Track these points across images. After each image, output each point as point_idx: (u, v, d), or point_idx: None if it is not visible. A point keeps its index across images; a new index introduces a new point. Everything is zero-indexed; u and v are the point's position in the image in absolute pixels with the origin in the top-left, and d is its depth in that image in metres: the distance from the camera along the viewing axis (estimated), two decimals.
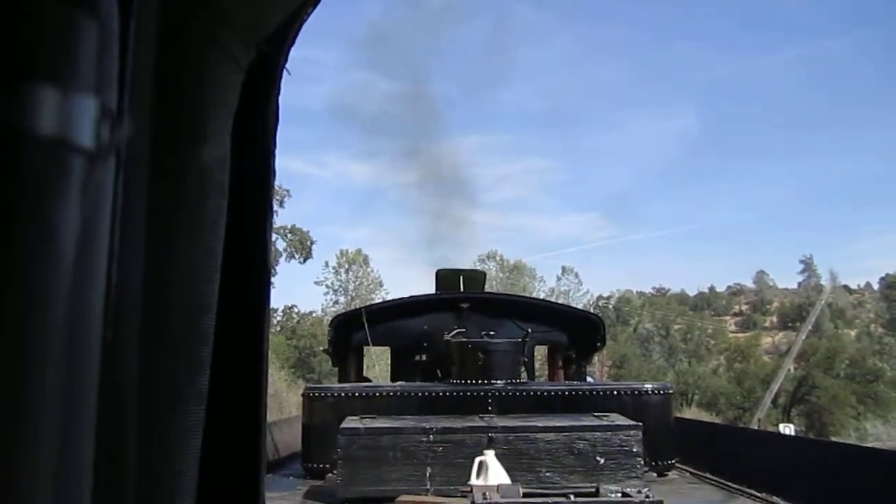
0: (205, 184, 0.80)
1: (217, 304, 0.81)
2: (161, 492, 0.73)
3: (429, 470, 5.76)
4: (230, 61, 0.82)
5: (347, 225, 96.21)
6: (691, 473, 7.23)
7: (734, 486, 6.41)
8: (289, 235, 38.79)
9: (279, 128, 1.06)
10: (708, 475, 7.01)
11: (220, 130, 0.83)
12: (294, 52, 1.04)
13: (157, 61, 0.68)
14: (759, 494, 6.02)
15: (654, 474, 6.80)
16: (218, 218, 0.83)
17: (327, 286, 52.17)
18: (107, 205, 0.55)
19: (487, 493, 3.26)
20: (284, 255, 38.99)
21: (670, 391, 7.61)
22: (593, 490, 3.44)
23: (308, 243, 39.31)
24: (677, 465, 7.30)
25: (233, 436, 0.94)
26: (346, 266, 52.57)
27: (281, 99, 1.05)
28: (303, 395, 7.49)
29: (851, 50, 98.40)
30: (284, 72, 1.03)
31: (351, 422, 6.14)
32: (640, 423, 6.00)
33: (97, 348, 0.55)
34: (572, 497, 3.17)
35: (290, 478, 7.11)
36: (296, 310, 52.58)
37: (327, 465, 6.54)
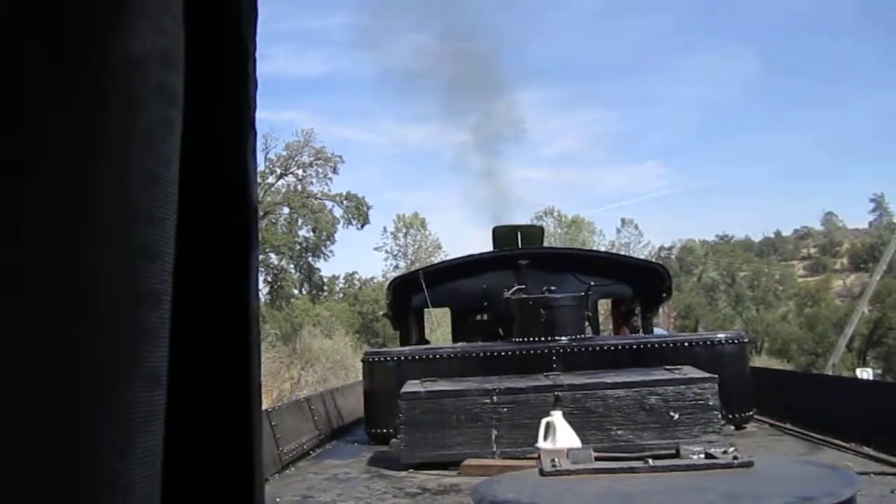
0: (135, 84, 0.54)
1: (176, 255, 0.57)
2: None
3: (494, 432, 5.58)
4: None
5: (408, 188, 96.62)
6: (770, 425, 6.91)
7: (817, 436, 6.06)
8: (344, 202, 38.90)
9: (258, 22, 0.79)
10: (788, 426, 6.67)
11: (157, 11, 0.57)
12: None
13: None
14: (846, 444, 5.66)
15: (732, 428, 6.51)
16: (162, 133, 0.57)
17: (386, 251, 52.36)
18: None
19: (557, 459, 3.03)
20: (342, 221, 39.20)
21: (745, 340, 7.27)
22: (673, 451, 3.18)
23: (364, 209, 39.38)
24: (755, 416, 6.97)
25: (217, 436, 0.70)
26: (404, 230, 52.60)
27: None
28: (362, 360, 7.39)
29: None
30: None
31: (412, 385, 6.00)
32: (716, 375, 5.71)
33: None
34: (650, 462, 2.92)
35: (355, 444, 7.05)
36: (357, 276, 53.04)
37: (390, 431, 6.43)
